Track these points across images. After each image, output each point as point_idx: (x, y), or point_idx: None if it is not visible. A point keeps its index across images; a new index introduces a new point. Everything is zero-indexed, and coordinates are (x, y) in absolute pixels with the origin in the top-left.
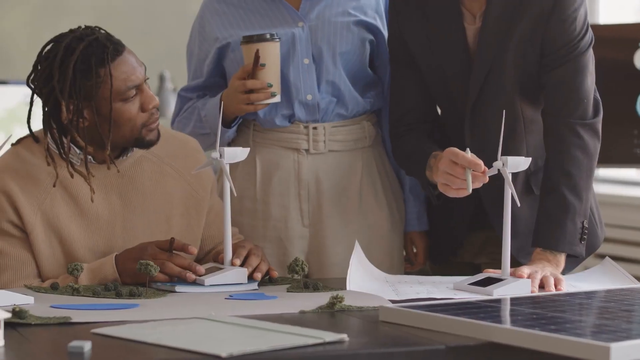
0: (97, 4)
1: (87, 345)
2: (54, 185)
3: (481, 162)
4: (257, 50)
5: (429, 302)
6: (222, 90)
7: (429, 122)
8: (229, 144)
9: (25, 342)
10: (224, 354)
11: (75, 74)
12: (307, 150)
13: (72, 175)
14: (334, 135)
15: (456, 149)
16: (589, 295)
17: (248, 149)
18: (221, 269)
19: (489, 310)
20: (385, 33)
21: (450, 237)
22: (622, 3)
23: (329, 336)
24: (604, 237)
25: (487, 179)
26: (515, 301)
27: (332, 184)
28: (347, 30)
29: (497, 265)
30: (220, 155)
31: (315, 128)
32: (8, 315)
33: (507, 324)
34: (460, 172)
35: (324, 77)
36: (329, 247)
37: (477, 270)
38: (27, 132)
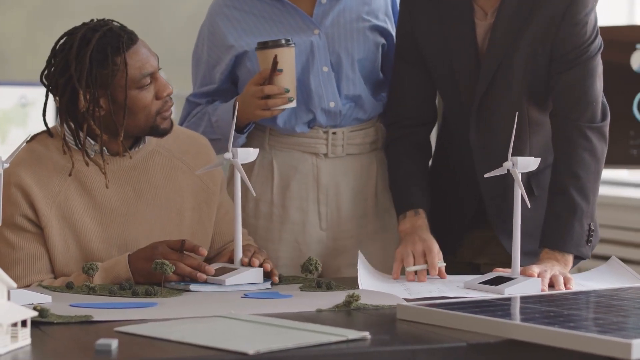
0: (92, 6)
1: (114, 343)
2: (70, 174)
3: (437, 270)
4: (276, 56)
5: (444, 300)
6: (232, 97)
7: (426, 124)
8: None
9: (51, 341)
10: (250, 351)
11: (92, 63)
12: (325, 155)
13: (87, 164)
14: (351, 139)
15: (436, 247)
16: (601, 293)
17: (258, 150)
18: (232, 269)
19: (505, 308)
20: (394, 35)
21: (449, 236)
22: (614, 4)
23: (352, 334)
24: (598, 240)
25: (425, 280)
26: (529, 299)
27: (349, 187)
28: (363, 36)
29: (497, 265)
30: (234, 156)
31: (334, 133)
32: (35, 313)
33: (527, 322)
34: (421, 259)
35: (343, 84)
36: (346, 249)
37: (477, 269)
38: (23, 133)
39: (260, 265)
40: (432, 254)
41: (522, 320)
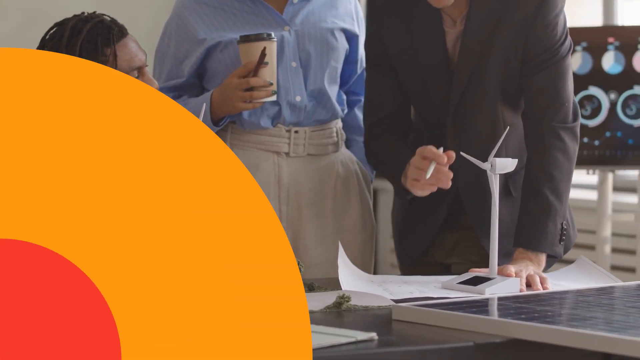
0: (24, 6)
1: None
2: None
3: (445, 156)
4: (265, 48)
5: (440, 300)
6: (197, 92)
7: (404, 123)
8: None
9: None
10: None
11: (82, 53)
12: (287, 154)
13: None
14: (313, 139)
15: (428, 146)
16: (586, 293)
17: None
18: None
19: (501, 307)
20: (360, 38)
21: (421, 237)
22: None
23: (360, 335)
24: (575, 238)
25: (451, 175)
26: (519, 299)
27: (310, 187)
28: (331, 37)
29: (468, 264)
30: None
31: (296, 132)
32: None
33: (530, 322)
34: (427, 165)
35: (310, 82)
36: (306, 249)
37: (447, 270)
38: None
39: None
40: (425, 149)
41: (524, 319)
